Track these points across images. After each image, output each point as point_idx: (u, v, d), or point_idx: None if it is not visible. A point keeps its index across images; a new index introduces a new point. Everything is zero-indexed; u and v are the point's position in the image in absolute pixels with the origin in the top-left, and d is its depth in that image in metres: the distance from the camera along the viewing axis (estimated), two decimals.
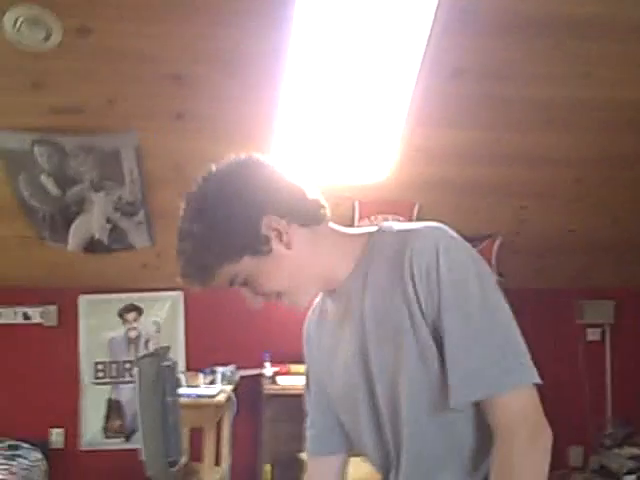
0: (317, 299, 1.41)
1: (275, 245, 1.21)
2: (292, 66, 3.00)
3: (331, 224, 1.30)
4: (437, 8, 2.71)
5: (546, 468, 1.09)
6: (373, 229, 1.29)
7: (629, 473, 4.10)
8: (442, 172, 3.65)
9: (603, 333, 4.76)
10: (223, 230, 1.18)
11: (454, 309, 1.12)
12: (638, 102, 3.24)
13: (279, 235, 1.21)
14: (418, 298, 1.14)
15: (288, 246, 1.21)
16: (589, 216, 4.08)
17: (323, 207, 1.27)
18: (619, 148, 3.55)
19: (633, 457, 4.20)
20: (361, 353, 1.23)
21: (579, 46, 2.91)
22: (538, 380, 1.11)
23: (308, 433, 1.46)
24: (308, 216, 1.24)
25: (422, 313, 1.14)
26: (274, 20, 2.71)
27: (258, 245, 1.20)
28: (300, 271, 1.24)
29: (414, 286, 1.14)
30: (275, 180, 1.23)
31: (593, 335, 4.74)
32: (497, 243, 4.08)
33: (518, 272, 4.21)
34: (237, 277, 1.22)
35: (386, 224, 1.29)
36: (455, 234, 1.19)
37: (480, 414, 1.16)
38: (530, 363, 1.12)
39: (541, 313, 4.46)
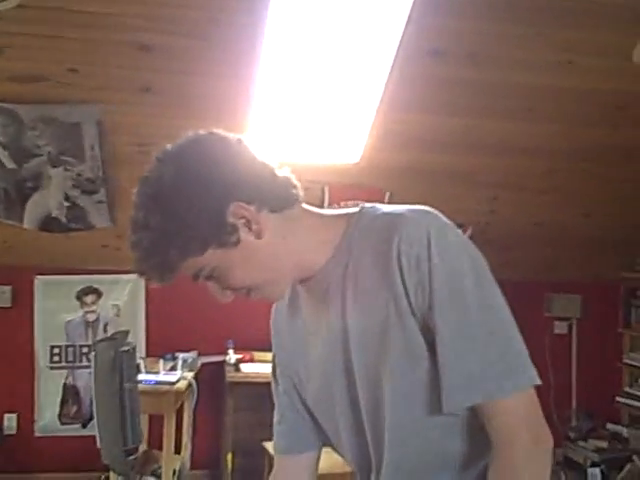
0: None
1: (244, 235, 1.07)
2: (270, 42, 2.89)
3: (304, 205, 1.15)
4: None
5: (549, 470, 1.02)
6: (353, 210, 1.15)
7: (594, 466, 4.12)
8: (414, 158, 3.57)
9: (570, 327, 4.76)
10: (183, 220, 1.03)
11: (448, 304, 1.01)
12: (618, 93, 3.21)
13: (248, 224, 1.07)
14: (407, 291, 1.03)
15: (258, 235, 1.08)
16: (559, 209, 4.06)
17: (295, 187, 1.13)
18: (593, 140, 3.52)
19: (597, 450, 4.22)
20: (342, 349, 1.12)
21: (561, 33, 2.85)
22: (539, 381, 1.03)
23: (276, 429, 1.34)
24: (279, 200, 1.10)
25: (411, 307, 1.03)
26: None
27: (224, 236, 1.06)
28: (272, 262, 1.11)
29: (402, 278, 1.03)
30: (241, 160, 1.08)
31: (560, 328, 4.74)
32: (468, 233, 4.03)
33: (488, 263, 4.16)
34: (201, 271, 1.08)
35: (368, 205, 1.15)
36: (447, 220, 1.07)
37: (470, 416, 1.07)
38: (530, 362, 1.03)
39: (509, 305, 4.41)
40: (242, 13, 2.68)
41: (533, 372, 1.03)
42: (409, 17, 2.76)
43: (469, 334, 1.01)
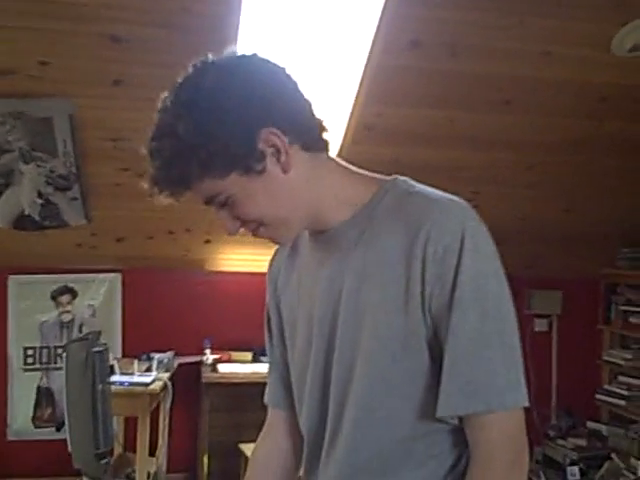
0: None
1: (270, 165, 1.01)
2: (244, 32, 2.83)
3: (335, 157, 1.10)
4: None
5: None
6: (387, 178, 1.10)
7: (573, 464, 4.12)
8: (393, 152, 3.52)
9: (550, 324, 4.75)
10: (213, 134, 0.97)
11: (470, 305, 0.97)
12: (599, 85, 3.18)
13: (277, 154, 1.01)
14: (424, 279, 0.98)
15: (285, 169, 1.02)
16: (541, 203, 4.03)
17: (327, 132, 1.08)
18: (575, 133, 3.49)
19: (577, 448, 4.22)
20: (332, 313, 1.07)
21: (541, 24, 2.81)
22: (528, 403, 1.00)
23: (268, 380, 1.31)
24: (314, 139, 1.05)
25: (422, 296, 0.98)
26: None
27: (251, 161, 0.99)
28: (291, 202, 1.04)
29: (424, 265, 0.98)
30: (285, 87, 1.03)
31: (540, 326, 4.73)
32: None
33: None
34: (217, 196, 1.02)
35: (403, 178, 1.10)
36: (480, 220, 1.02)
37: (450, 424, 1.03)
38: (524, 382, 1.00)
39: None
40: (215, 3, 2.62)
41: (526, 392, 1.00)
42: (384, 7, 2.71)
43: (483, 340, 0.97)
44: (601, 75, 3.10)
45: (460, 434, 1.03)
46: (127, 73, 2.95)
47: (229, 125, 0.97)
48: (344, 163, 1.12)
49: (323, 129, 1.08)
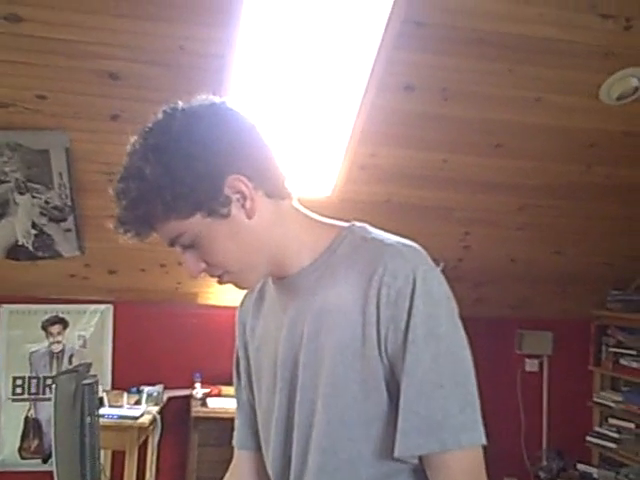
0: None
1: (235, 210, 1.04)
2: (238, 74, 2.88)
3: (296, 204, 1.14)
4: (389, 20, 2.63)
5: None
6: (345, 224, 1.14)
7: None
8: (386, 192, 3.56)
9: (541, 364, 4.74)
10: (180, 177, 0.99)
11: (422, 347, 0.99)
12: (587, 131, 3.24)
13: (243, 200, 1.04)
14: (379, 321, 1.01)
15: (250, 215, 1.05)
16: (531, 245, 4.06)
17: (291, 183, 1.12)
18: (565, 177, 3.54)
19: None
20: (293, 358, 1.10)
21: (532, 71, 2.87)
22: (485, 442, 1.01)
23: (235, 422, 1.33)
24: (278, 187, 1.09)
25: (378, 339, 1.01)
26: (221, 21, 2.59)
27: (216, 205, 1.02)
28: (254, 247, 1.08)
29: (378, 308, 1.01)
30: (252, 137, 1.07)
31: (531, 366, 4.72)
32: (439, 268, 4.00)
33: (459, 299, 4.13)
34: (181, 237, 1.04)
35: (360, 225, 1.14)
36: (433, 263, 1.06)
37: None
38: (481, 421, 1.01)
39: (480, 341, 4.37)
40: (210, 43, 2.68)
41: (482, 430, 1.01)
42: (379, 50, 2.77)
43: (436, 381, 0.99)
44: (589, 122, 3.16)
45: (423, 474, 1.04)
46: (124, 109, 2.99)
47: (195, 170, 1.00)
48: (305, 210, 1.15)
49: (286, 178, 1.11)
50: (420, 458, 1.02)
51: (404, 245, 1.06)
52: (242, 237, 1.06)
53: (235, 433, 1.34)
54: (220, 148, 1.02)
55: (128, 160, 1.03)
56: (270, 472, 1.18)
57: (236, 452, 1.34)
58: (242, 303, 1.32)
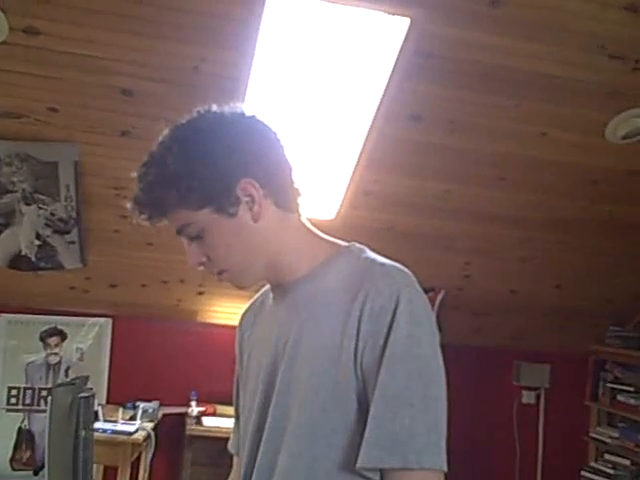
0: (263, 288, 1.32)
1: (242, 211, 1.11)
2: (251, 96, 2.92)
3: (304, 219, 1.20)
4: (400, 51, 2.67)
5: None
6: (345, 244, 1.20)
7: None
8: (389, 219, 3.59)
9: (538, 397, 4.73)
10: (198, 171, 1.07)
11: (398, 363, 1.02)
12: (590, 167, 3.26)
13: (251, 203, 1.11)
14: (358, 334, 1.04)
15: (255, 218, 1.12)
16: (532, 278, 4.07)
17: (302, 197, 1.19)
18: (567, 212, 3.57)
19: None
20: (275, 361, 1.13)
21: (539, 106, 2.91)
22: (446, 469, 1.02)
23: (233, 427, 1.37)
24: (287, 199, 1.16)
25: (355, 351, 1.04)
26: (237, 45, 2.63)
27: (226, 203, 1.10)
28: (254, 249, 1.14)
29: (359, 321, 1.04)
30: (271, 147, 1.15)
31: (528, 398, 4.71)
32: (439, 297, 4.03)
33: (458, 328, 4.16)
34: (188, 227, 1.12)
35: (359, 246, 1.19)
36: (418, 286, 1.09)
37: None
38: (445, 449, 1.03)
39: (477, 371, 4.42)
40: (225, 65, 2.71)
41: (444, 457, 1.02)
42: (389, 81, 2.81)
43: (407, 399, 1.01)
44: (594, 159, 3.19)
45: None
46: (135, 125, 3.02)
47: (213, 167, 1.08)
48: (311, 226, 1.21)
49: (299, 194, 1.18)
50: (381, 476, 1.03)
51: (394, 267, 1.10)
52: (245, 237, 1.13)
53: (231, 439, 1.37)
54: (240, 153, 1.10)
55: (155, 148, 1.11)
56: (242, 472, 1.19)
57: (234, 458, 1.37)
58: (243, 316, 1.36)
